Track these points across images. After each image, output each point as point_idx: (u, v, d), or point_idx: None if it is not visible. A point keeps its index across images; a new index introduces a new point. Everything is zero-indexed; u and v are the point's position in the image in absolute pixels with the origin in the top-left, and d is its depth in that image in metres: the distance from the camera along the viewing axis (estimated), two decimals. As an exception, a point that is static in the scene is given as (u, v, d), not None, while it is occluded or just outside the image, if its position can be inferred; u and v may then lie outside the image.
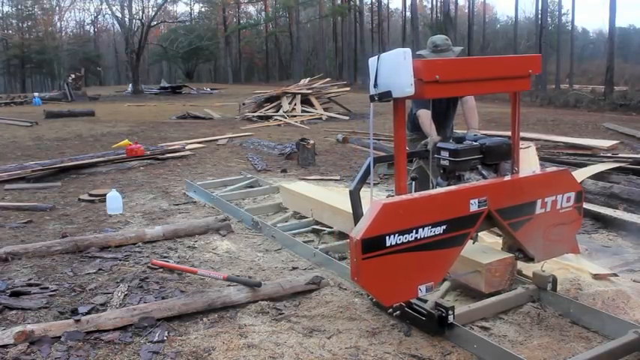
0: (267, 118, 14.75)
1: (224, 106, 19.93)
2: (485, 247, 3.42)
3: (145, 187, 6.68)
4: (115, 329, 2.90)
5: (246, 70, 56.46)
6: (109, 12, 38.41)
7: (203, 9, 55.18)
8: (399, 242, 2.65)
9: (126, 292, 3.40)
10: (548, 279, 3.19)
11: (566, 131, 11.00)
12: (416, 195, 2.93)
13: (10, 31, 47.29)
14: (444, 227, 2.77)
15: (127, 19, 34.50)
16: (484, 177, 3.25)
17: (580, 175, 5.43)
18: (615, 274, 3.45)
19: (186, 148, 9.55)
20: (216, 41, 51.30)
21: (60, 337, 2.80)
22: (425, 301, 2.95)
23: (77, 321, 2.88)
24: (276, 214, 5.25)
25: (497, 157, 3.31)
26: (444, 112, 4.17)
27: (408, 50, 2.70)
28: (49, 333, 2.81)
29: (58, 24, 50.33)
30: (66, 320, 2.96)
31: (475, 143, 3.29)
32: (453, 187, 3.07)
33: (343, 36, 43.72)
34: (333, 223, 4.47)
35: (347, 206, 4.37)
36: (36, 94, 26.30)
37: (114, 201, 5.48)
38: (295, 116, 14.59)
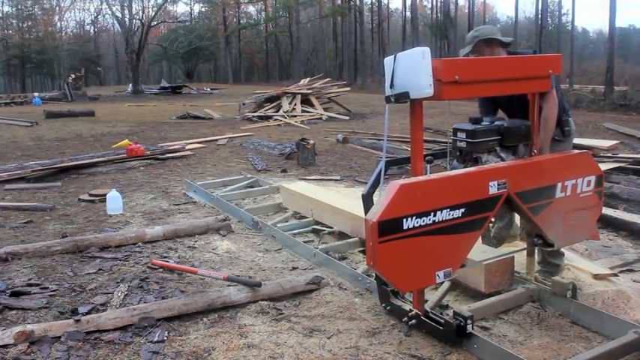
0: (267, 118, 14.75)
1: (224, 106, 19.93)
2: (486, 247, 3.42)
3: (145, 187, 6.68)
4: (115, 329, 2.90)
5: (246, 70, 56.47)
6: (109, 12, 38.46)
7: (203, 9, 55.24)
8: (416, 225, 2.56)
9: (126, 292, 3.40)
10: (568, 286, 3.07)
11: (566, 131, 10.99)
12: (433, 176, 2.82)
13: (10, 31, 47.32)
14: (462, 210, 2.68)
15: (127, 19, 34.51)
16: (502, 159, 3.12)
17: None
18: (615, 274, 3.45)
19: (186, 148, 9.55)
20: (216, 41, 51.31)
21: (60, 337, 2.80)
22: (441, 311, 2.88)
23: (77, 321, 2.88)
24: (276, 214, 5.25)
25: (515, 138, 3.17)
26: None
27: (427, 49, 2.63)
28: (49, 333, 2.81)
29: (58, 24, 50.38)
30: (66, 320, 2.96)
31: (493, 124, 3.17)
32: (471, 169, 2.96)
33: (343, 36, 43.71)
34: (333, 223, 4.47)
35: (347, 206, 4.40)
36: (36, 94, 26.31)
37: (114, 201, 5.48)
38: (295, 116, 14.59)
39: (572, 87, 26.92)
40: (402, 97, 2.71)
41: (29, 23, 48.58)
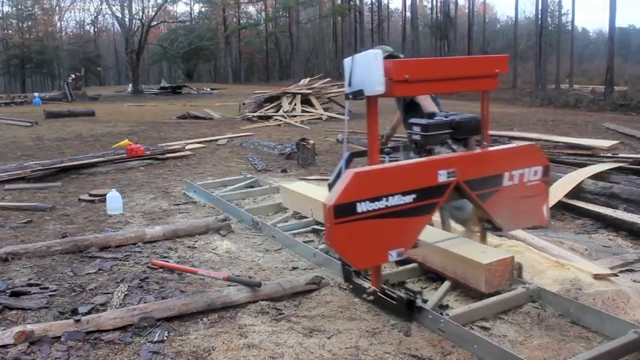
0: (267, 118, 14.75)
1: (224, 106, 19.93)
2: (485, 247, 3.42)
3: (145, 187, 6.68)
4: (115, 329, 2.90)
5: (246, 70, 56.45)
6: (109, 12, 38.45)
7: (203, 9, 55.22)
8: (369, 209, 2.81)
9: (126, 292, 3.40)
10: (515, 266, 3.30)
11: (566, 131, 11.00)
12: (386, 165, 3.10)
13: (10, 31, 47.29)
14: (413, 196, 2.93)
15: (127, 19, 34.50)
16: (454, 151, 3.37)
17: (580, 175, 5.43)
18: (615, 274, 3.45)
19: (186, 148, 9.55)
20: (216, 41, 51.33)
21: (60, 337, 2.80)
22: (404, 290, 3.19)
23: (77, 321, 2.88)
24: (276, 214, 5.25)
25: (466, 132, 3.45)
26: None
27: (379, 51, 2.93)
28: (49, 333, 2.81)
29: (58, 24, 50.39)
30: (66, 320, 2.96)
31: (445, 119, 3.46)
32: (422, 159, 3.23)
33: (343, 36, 43.74)
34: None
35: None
36: (36, 94, 26.31)
37: (114, 201, 5.48)
38: (295, 116, 14.60)
39: (572, 87, 26.92)
40: (358, 95, 3.00)
41: (29, 23, 48.56)
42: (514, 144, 3.58)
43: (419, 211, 2.96)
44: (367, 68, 2.94)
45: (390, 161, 3.45)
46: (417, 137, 3.40)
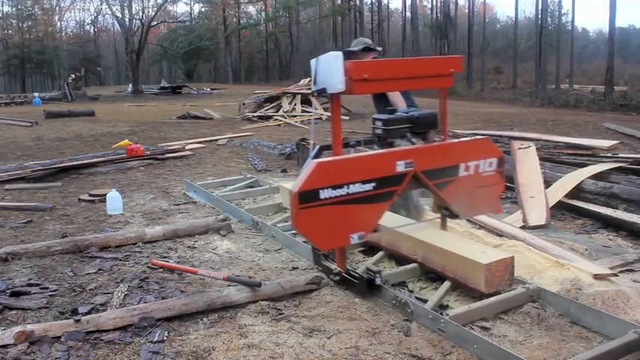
0: (267, 118, 14.75)
1: (224, 106, 19.93)
2: (485, 247, 3.42)
3: (145, 187, 6.68)
4: (115, 329, 2.90)
5: (246, 70, 56.43)
6: (109, 12, 38.46)
7: (203, 9, 55.21)
8: (332, 196, 3.07)
9: (126, 292, 3.40)
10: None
11: (566, 131, 11.00)
12: (348, 156, 3.36)
13: (10, 31, 47.29)
14: (373, 184, 3.18)
15: (127, 19, 34.51)
16: (413, 143, 3.64)
17: (580, 175, 5.43)
18: (615, 274, 3.45)
19: (186, 148, 9.55)
20: (216, 41, 51.32)
21: (60, 337, 2.80)
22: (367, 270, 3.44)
23: (77, 321, 2.88)
24: (276, 214, 5.25)
25: (424, 126, 3.75)
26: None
27: (340, 54, 3.22)
28: (49, 333, 2.80)
29: (58, 24, 50.39)
30: (66, 320, 2.96)
31: (405, 114, 3.80)
32: (382, 150, 3.52)
33: (343, 36, 43.69)
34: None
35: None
36: (36, 94, 26.32)
37: (114, 201, 5.48)
38: (295, 116, 14.60)
39: (572, 87, 26.92)
40: (322, 92, 3.30)
41: (29, 23, 48.57)
42: (469, 138, 3.90)
43: (378, 198, 3.21)
44: (329, 68, 3.22)
45: (352, 146, 3.76)
46: (379, 131, 3.72)
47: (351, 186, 3.12)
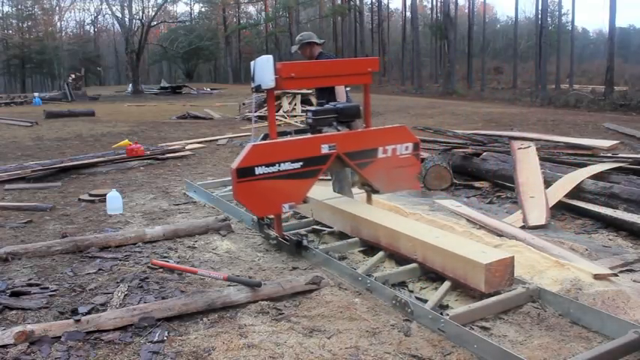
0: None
1: (224, 106, 19.93)
2: (485, 247, 3.42)
3: (145, 187, 6.68)
4: (115, 329, 2.90)
5: (247, 70, 55.88)
6: (109, 12, 38.44)
7: (203, 9, 55.21)
8: (265, 172, 3.74)
9: (126, 292, 3.40)
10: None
11: (566, 131, 10.99)
12: (279, 140, 4.04)
13: (10, 31, 47.29)
14: (301, 163, 3.87)
15: (127, 19, 34.49)
16: (338, 130, 4.33)
17: (580, 175, 5.43)
18: (615, 274, 3.45)
19: (186, 148, 9.55)
20: (216, 41, 51.30)
21: (60, 337, 2.80)
22: (298, 236, 4.15)
23: (77, 321, 2.88)
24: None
25: (348, 116, 4.49)
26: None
27: (270, 57, 3.97)
28: (49, 333, 2.81)
29: (58, 24, 50.39)
30: (66, 320, 2.96)
31: (331, 106, 4.52)
32: (309, 135, 4.31)
33: (343, 36, 43.68)
34: (333, 223, 4.47)
35: (347, 206, 4.40)
36: (36, 94, 26.32)
37: (114, 201, 5.47)
38: (295, 116, 14.59)
39: (572, 87, 26.91)
40: (259, 88, 3.97)
41: (29, 23, 48.56)
42: (388, 126, 4.60)
43: (306, 175, 3.91)
44: (263, 68, 3.90)
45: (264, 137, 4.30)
46: (310, 120, 4.44)
47: (282, 164, 3.78)
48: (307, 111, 4.54)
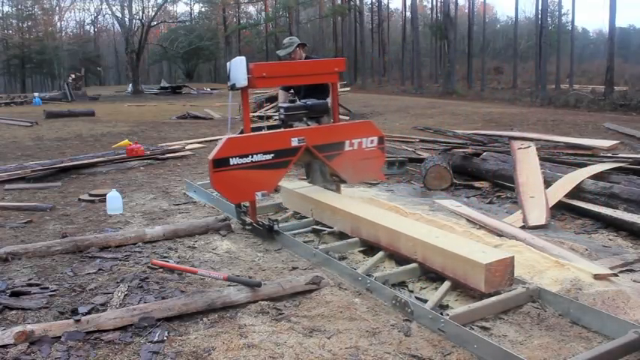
0: (268, 118, 14.73)
1: (224, 106, 19.92)
2: (486, 247, 3.42)
3: (145, 187, 6.68)
4: (115, 329, 2.90)
5: (246, 71, 56.20)
6: (109, 12, 38.42)
7: (203, 9, 55.14)
8: (239, 162, 4.10)
9: (126, 292, 3.40)
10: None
11: (566, 131, 11.00)
12: (253, 134, 4.41)
13: (10, 31, 47.24)
14: (272, 155, 4.23)
15: (127, 19, 34.48)
16: (307, 125, 4.80)
17: (580, 175, 5.43)
18: (615, 274, 3.44)
19: (186, 148, 9.55)
20: (216, 41, 51.27)
21: (60, 337, 2.80)
22: (271, 220, 4.52)
23: (77, 321, 2.88)
24: (276, 214, 5.25)
25: (317, 112, 4.95)
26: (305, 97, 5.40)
27: (243, 58, 4.25)
28: (49, 333, 2.80)
29: (58, 24, 50.34)
30: (66, 320, 2.96)
31: (301, 103, 4.92)
32: (281, 130, 4.72)
33: (343, 36, 43.70)
34: (333, 223, 4.47)
35: (347, 206, 4.40)
36: (36, 94, 26.31)
37: (114, 201, 5.47)
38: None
39: (572, 87, 26.91)
40: (234, 87, 4.27)
41: (29, 23, 48.52)
42: (355, 121, 5.13)
43: (277, 166, 4.27)
44: (237, 68, 4.20)
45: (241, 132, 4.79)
46: (282, 116, 4.86)
47: (255, 156, 4.13)
48: (280, 107, 4.94)
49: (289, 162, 4.35)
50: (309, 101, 4.95)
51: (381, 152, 4.78)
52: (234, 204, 4.68)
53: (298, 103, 4.94)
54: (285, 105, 4.91)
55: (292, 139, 4.32)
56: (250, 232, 4.56)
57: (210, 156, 4.06)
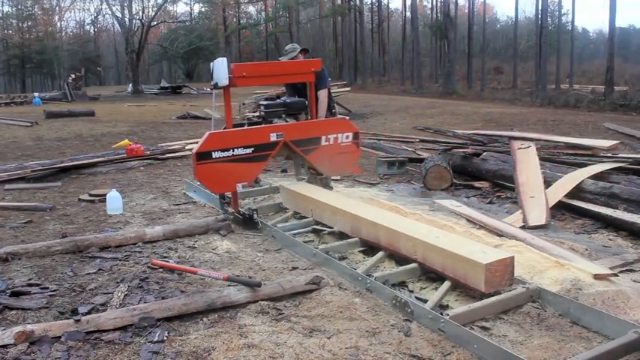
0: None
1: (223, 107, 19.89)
2: (486, 247, 3.42)
3: (145, 187, 6.68)
4: (115, 329, 2.90)
5: (247, 71, 56.14)
6: (109, 12, 38.44)
7: (203, 9, 55.14)
8: (221, 156, 4.43)
9: (126, 292, 3.40)
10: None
11: (566, 131, 11.00)
12: (234, 129, 4.76)
13: (10, 31, 47.24)
14: (252, 149, 4.56)
15: (127, 19, 34.48)
16: (286, 122, 5.06)
17: (580, 175, 5.43)
18: (615, 274, 3.45)
19: (186, 148, 9.54)
20: (216, 41, 51.24)
21: (60, 337, 2.80)
22: (250, 211, 4.80)
23: (77, 321, 2.88)
24: (276, 214, 5.25)
25: (295, 110, 5.21)
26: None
27: (225, 59, 4.57)
28: (49, 333, 2.80)
29: (58, 24, 50.35)
30: (66, 320, 2.96)
31: (280, 101, 5.24)
32: (261, 126, 4.92)
33: (343, 36, 43.69)
34: (333, 223, 4.47)
35: (347, 206, 4.40)
36: (36, 94, 26.31)
37: (114, 201, 5.47)
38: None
39: (572, 87, 26.90)
40: (216, 86, 4.57)
41: (29, 23, 48.51)
42: (330, 118, 5.44)
43: (256, 159, 4.60)
44: (219, 68, 4.50)
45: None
46: (262, 113, 5.09)
47: (236, 150, 4.45)
48: (260, 104, 5.29)
49: (268, 155, 4.69)
50: (288, 99, 5.29)
51: (356, 147, 5.08)
52: (217, 194, 5.03)
53: (277, 100, 5.28)
54: (265, 102, 5.22)
55: (271, 134, 4.64)
56: (233, 221, 4.82)
57: (194, 149, 4.39)
